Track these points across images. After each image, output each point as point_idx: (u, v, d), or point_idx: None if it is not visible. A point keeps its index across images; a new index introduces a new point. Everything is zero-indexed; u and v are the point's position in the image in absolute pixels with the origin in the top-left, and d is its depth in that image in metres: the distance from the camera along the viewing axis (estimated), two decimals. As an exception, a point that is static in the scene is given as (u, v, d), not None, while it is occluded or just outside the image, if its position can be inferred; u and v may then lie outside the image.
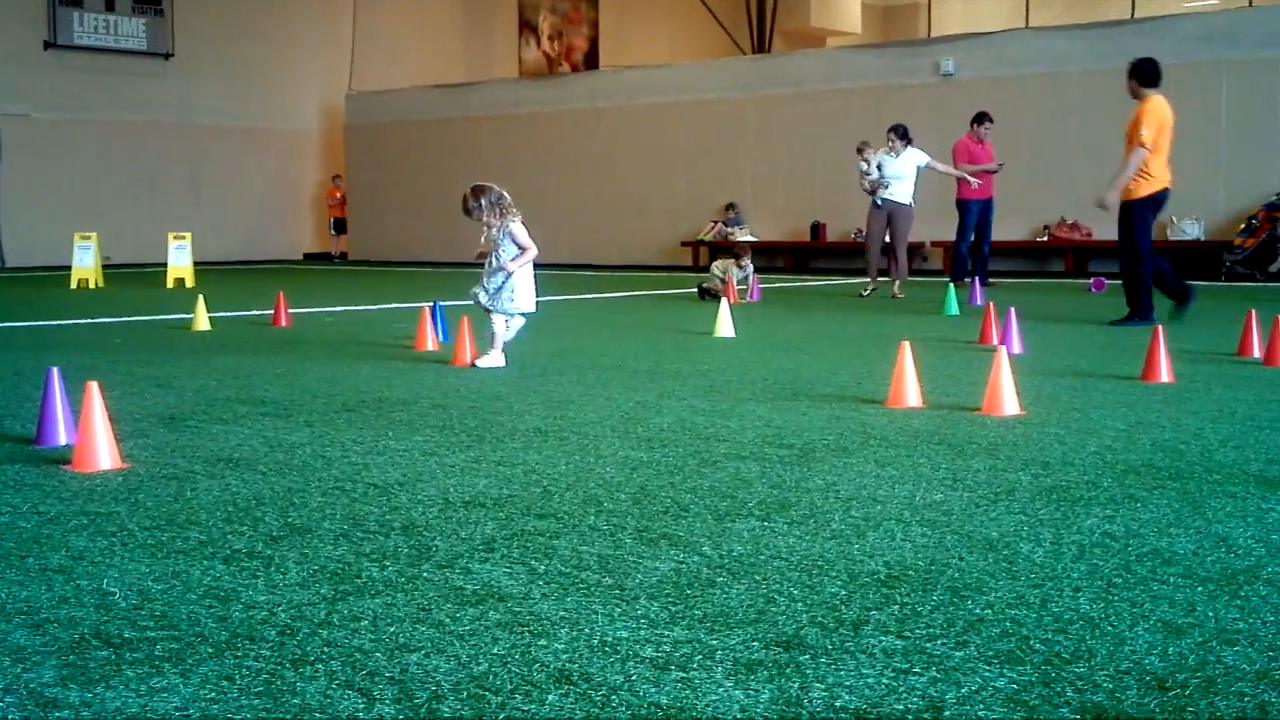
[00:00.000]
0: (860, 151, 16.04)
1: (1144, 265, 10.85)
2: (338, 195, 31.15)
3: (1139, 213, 10.85)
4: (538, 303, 8.27)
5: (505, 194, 8.10)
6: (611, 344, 9.62)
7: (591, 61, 35.70)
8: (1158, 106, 10.97)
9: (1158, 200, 10.93)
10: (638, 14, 37.12)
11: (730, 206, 24.61)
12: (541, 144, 27.77)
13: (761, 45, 33.60)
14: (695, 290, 15.27)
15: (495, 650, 2.71)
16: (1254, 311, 8.50)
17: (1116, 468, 4.61)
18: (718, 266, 15.05)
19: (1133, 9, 36.24)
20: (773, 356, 8.63)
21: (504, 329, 8.12)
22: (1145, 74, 11.17)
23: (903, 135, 15.19)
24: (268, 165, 30.81)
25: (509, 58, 34.67)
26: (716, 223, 24.63)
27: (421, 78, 31.48)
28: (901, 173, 15.17)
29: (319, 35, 31.49)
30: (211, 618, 2.95)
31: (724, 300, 11.01)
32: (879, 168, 15.35)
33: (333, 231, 31.29)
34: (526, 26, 35.11)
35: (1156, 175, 10.89)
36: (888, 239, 15.46)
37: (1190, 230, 19.76)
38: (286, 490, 4.34)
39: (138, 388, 7.09)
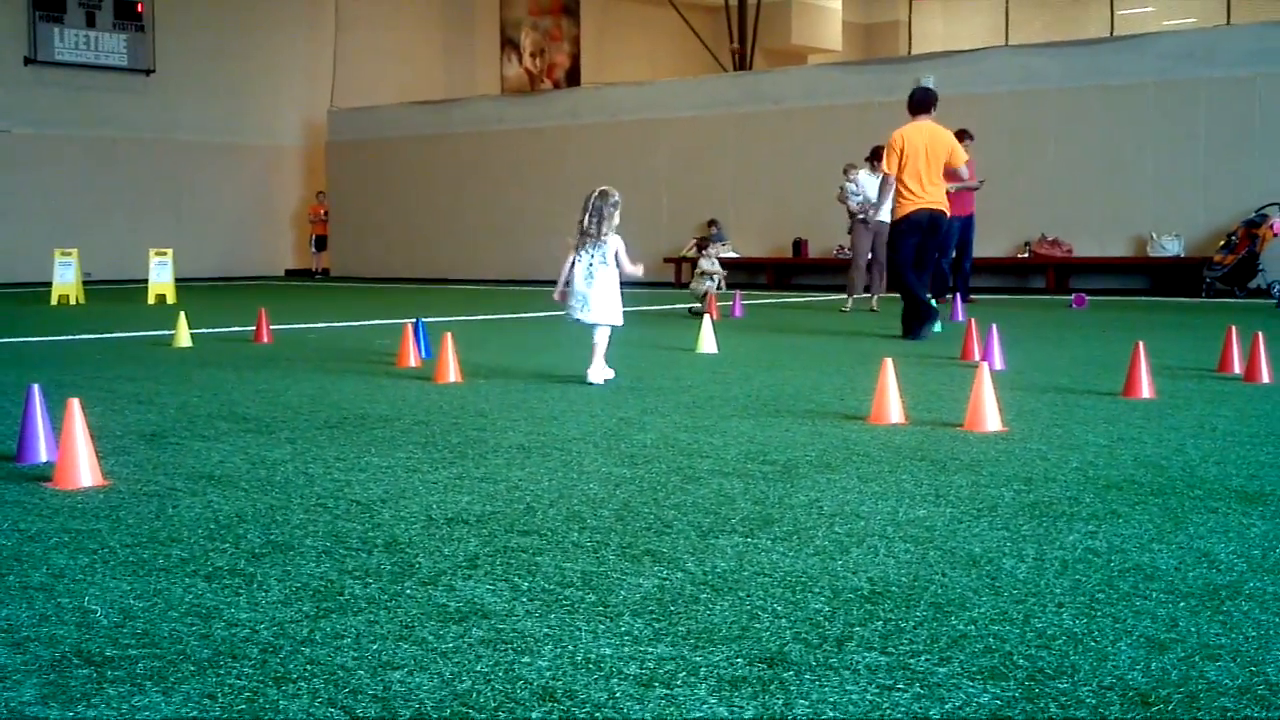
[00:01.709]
0: (846, 173, 16.18)
1: (904, 278, 11.47)
2: (321, 212, 31.08)
3: (894, 232, 11.75)
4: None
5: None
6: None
7: (573, 78, 35.80)
8: (896, 136, 11.76)
9: (913, 221, 11.56)
10: (619, 31, 37.25)
11: (712, 223, 24.65)
12: (523, 161, 27.79)
13: (743, 63, 33.69)
14: (680, 308, 15.29)
15: (478, 668, 2.70)
16: (1234, 327, 8.54)
17: (1098, 483, 4.62)
18: (704, 263, 15.07)
19: (1111, 27, 36.49)
20: (756, 372, 8.64)
21: (605, 340, 7.99)
22: (908, 103, 12.12)
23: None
24: (249, 181, 30.77)
25: (491, 74, 34.74)
26: (699, 239, 24.65)
27: (403, 94, 31.51)
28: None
29: (300, 51, 31.48)
30: (193, 635, 2.93)
31: (707, 316, 11.02)
32: (863, 187, 15.52)
33: (314, 248, 31.19)
34: (508, 43, 35.19)
35: (909, 198, 11.56)
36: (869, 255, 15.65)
37: (1170, 247, 19.86)
38: (268, 507, 4.32)
39: (119, 404, 7.07)
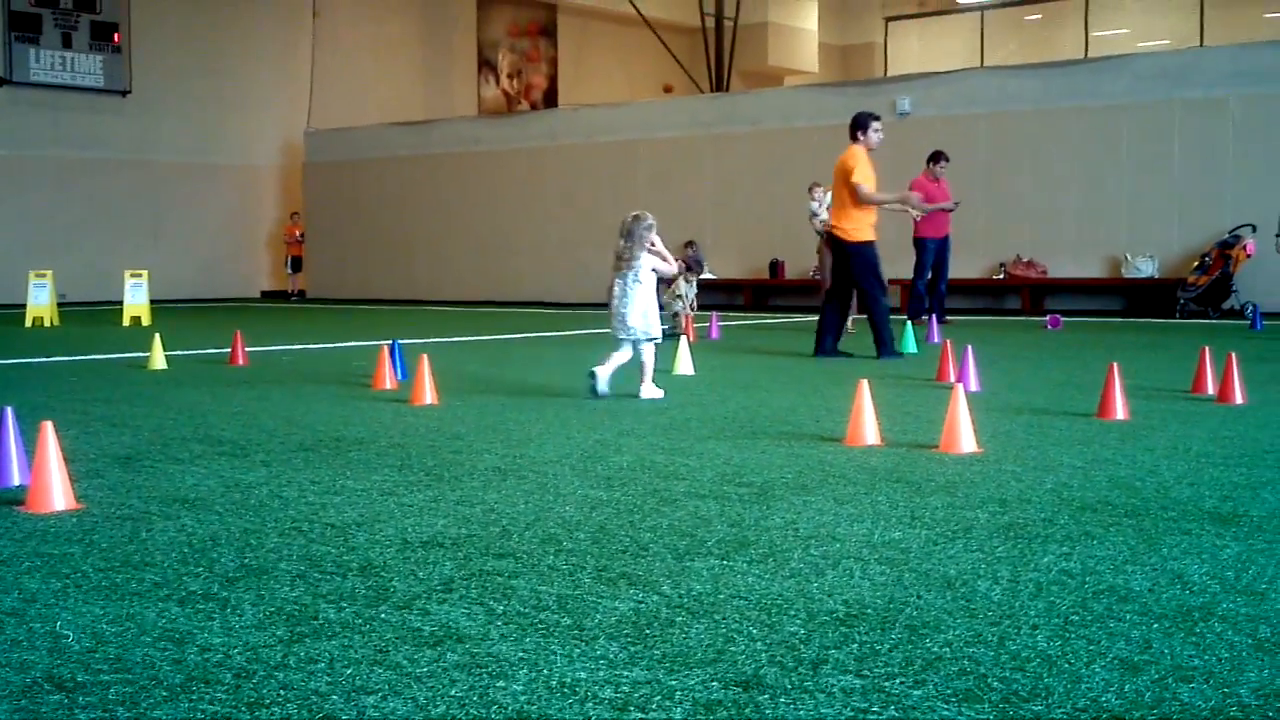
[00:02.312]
0: (811, 191, 16.20)
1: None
2: (296, 233, 30.99)
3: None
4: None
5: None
6: (570, 381, 9.60)
7: (550, 99, 35.88)
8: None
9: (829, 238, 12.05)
10: (596, 53, 37.34)
11: (689, 244, 24.69)
12: (501, 181, 27.81)
13: (719, 84, 33.80)
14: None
15: (453, 692, 2.69)
16: (1207, 349, 8.58)
17: (1073, 505, 4.63)
18: (680, 284, 15.10)
19: (1086, 48, 36.71)
20: (732, 394, 8.65)
21: (652, 359, 8.47)
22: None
23: None
24: (226, 203, 30.69)
25: (468, 95, 34.78)
26: (676, 260, 24.69)
27: (381, 115, 31.51)
28: None
29: (278, 72, 31.45)
30: (166, 660, 2.92)
31: (683, 338, 11.03)
32: (829, 209, 15.51)
33: (289, 269, 31.08)
34: (486, 64, 35.24)
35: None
36: None
37: (1145, 268, 19.96)
38: (243, 531, 4.31)
39: (93, 427, 7.04)
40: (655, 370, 8.54)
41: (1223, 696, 2.63)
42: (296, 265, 31.02)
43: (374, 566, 3.79)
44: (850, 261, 11.76)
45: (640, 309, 8.33)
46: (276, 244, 31.74)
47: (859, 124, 11.90)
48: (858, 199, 11.59)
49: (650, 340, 8.41)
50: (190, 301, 28.18)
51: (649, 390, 8.38)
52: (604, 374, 8.37)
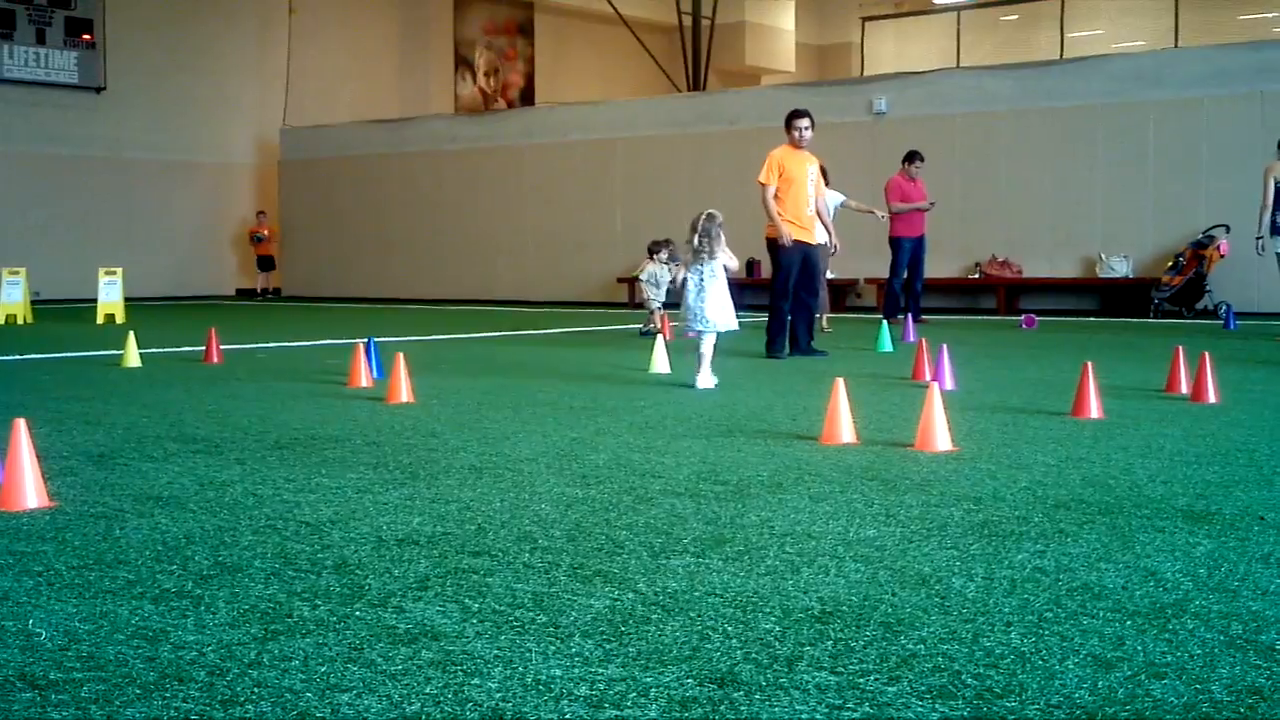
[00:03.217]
0: None
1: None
2: (263, 231, 30.60)
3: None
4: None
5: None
6: (547, 380, 9.60)
7: (527, 98, 35.83)
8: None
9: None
10: (573, 51, 37.31)
11: (666, 243, 24.66)
12: (477, 180, 27.76)
13: (697, 83, 33.81)
14: (633, 328, 15.29)
15: (428, 690, 2.69)
16: (1181, 348, 8.63)
17: (1047, 503, 4.65)
18: (644, 273, 15.10)
19: (1061, 49, 36.84)
20: (708, 393, 8.65)
21: (710, 350, 8.94)
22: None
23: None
24: (201, 200, 30.54)
25: (445, 93, 34.71)
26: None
27: (357, 113, 31.42)
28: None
29: (253, 69, 31.34)
30: (139, 658, 2.91)
31: (660, 336, 11.03)
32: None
33: (259, 268, 30.73)
34: (462, 62, 35.18)
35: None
36: None
37: (1119, 268, 20.05)
38: (217, 529, 4.29)
39: (66, 425, 7.00)
40: (627, 370, 8.56)
41: (1195, 693, 2.64)
42: (266, 264, 30.67)
43: (349, 564, 3.78)
44: (773, 258, 11.81)
45: (716, 302, 8.81)
46: (243, 243, 31.50)
47: (786, 123, 11.87)
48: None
49: (720, 331, 8.91)
50: (165, 299, 28.06)
51: (705, 380, 8.77)
52: (705, 378, 8.78)
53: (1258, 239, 13.69)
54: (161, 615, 3.26)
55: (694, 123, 25.10)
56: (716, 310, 8.85)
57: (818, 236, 15.55)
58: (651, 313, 14.60)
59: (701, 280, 8.86)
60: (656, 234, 24.83)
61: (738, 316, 9.08)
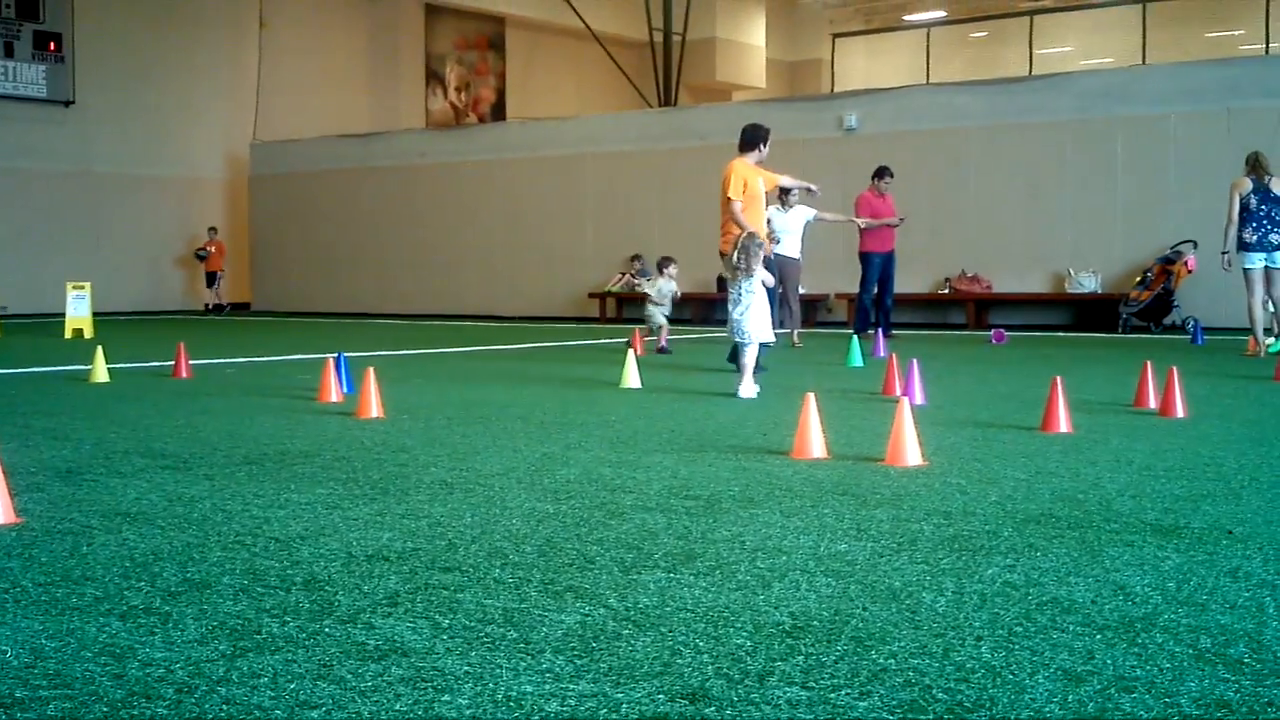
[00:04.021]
0: None
1: None
2: (210, 248, 29.79)
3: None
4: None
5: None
6: (518, 395, 9.59)
7: (498, 113, 35.85)
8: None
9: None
10: (545, 66, 37.35)
11: (636, 258, 24.71)
12: (448, 195, 27.74)
13: (667, 99, 33.88)
14: (603, 343, 15.28)
15: (398, 707, 2.68)
16: (1149, 363, 8.68)
17: (1017, 517, 4.67)
18: (651, 289, 15.11)
19: (1030, 66, 37.07)
20: (679, 407, 8.65)
21: (753, 360, 9.44)
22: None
23: (790, 191, 15.59)
24: (170, 214, 30.39)
25: (415, 108, 34.68)
26: (623, 274, 24.72)
27: (327, 127, 31.36)
28: (790, 227, 15.58)
29: (223, 84, 31.25)
30: (107, 676, 2.88)
31: (630, 351, 11.03)
32: (769, 222, 15.57)
33: (208, 285, 29.90)
34: (433, 77, 35.18)
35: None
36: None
37: (1088, 283, 20.16)
38: (185, 545, 4.26)
39: (33, 441, 6.95)
40: (598, 384, 8.55)
41: (1164, 706, 2.65)
42: (214, 280, 29.80)
43: (318, 580, 3.77)
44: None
45: (756, 316, 9.26)
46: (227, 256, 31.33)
47: (761, 138, 11.73)
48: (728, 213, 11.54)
49: (761, 344, 9.43)
50: (134, 314, 27.91)
51: (748, 389, 9.18)
52: (748, 387, 9.19)
53: (1224, 254, 13.79)
54: (129, 632, 3.23)
55: (665, 138, 25.14)
56: (756, 324, 9.25)
57: (790, 252, 15.67)
58: (660, 328, 14.61)
59: (740, 295, 9.31)
60: (626, 250, 24.98)
61: (714, 329, 9.14)
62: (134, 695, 2.75)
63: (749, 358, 9.33)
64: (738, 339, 9.42)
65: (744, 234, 9.55)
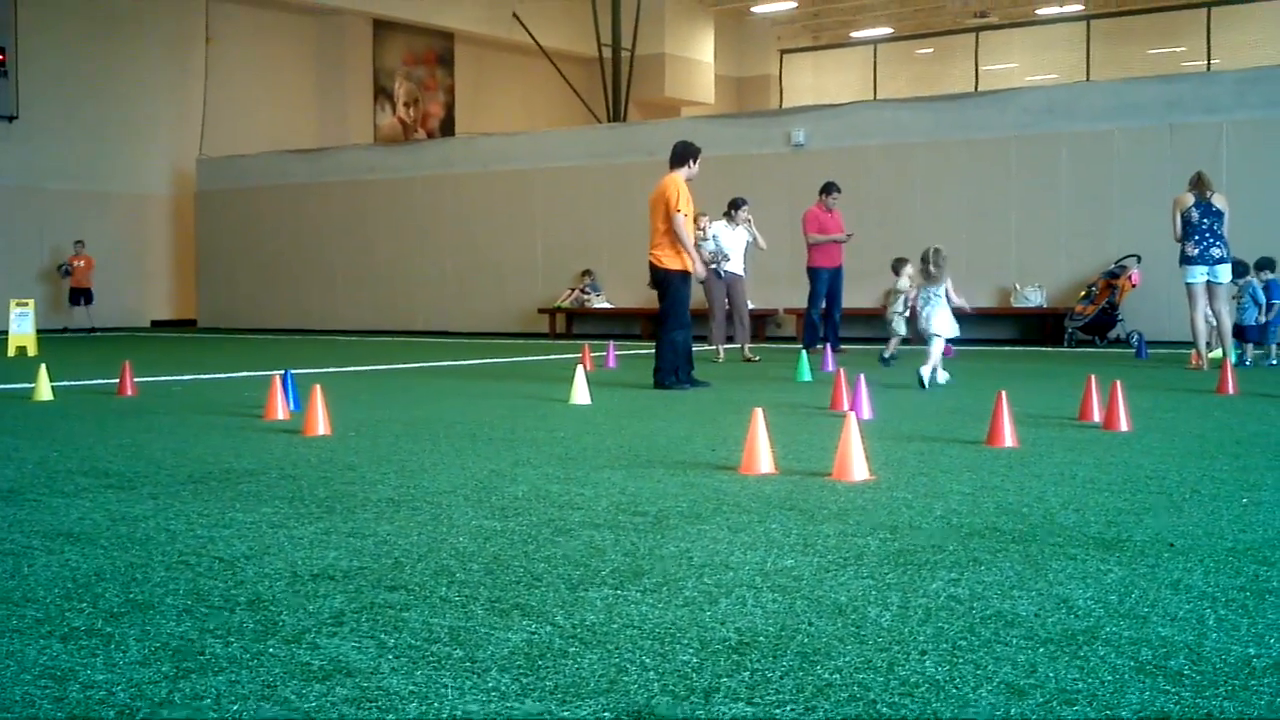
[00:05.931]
0: (696, 221, 16.26)
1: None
2: (79, 262, 27.63)
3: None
4: None
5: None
6: (466, 411, 9.57)
7: (447, 128, 35.78)
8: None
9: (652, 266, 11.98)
10: (494, 82, 37.33)
11: (586, 273, 24.72)
12: (397, 210, 27.65)
13: (617, 114, 33.94)
14: (553, 359, 15.26)
15: (342, 726, 2.66)
16: (1093, 376, 8.76)
17: (961, 531, 4.70)
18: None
19: (976, 82, 37.39)
20: (628, 423, 8.66)
21: (939, 353, 11.29)
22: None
23: (740, 207, 15.80)
24: (116, 231, 30.10)
25: (364, 123, 34.56)
26: (573, 289, 24.71)
27: (275, 143, 31.20)
28: (736, 245, 15.68)
29: (169, 98, 31.02)
30: (47, 698, 2.85)
31: (579, 368, 11.02)
32: (715, 239, 15.66)
33: (71, 303, 27.67)
34: (381, 92, 35.07)
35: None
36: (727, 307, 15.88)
37: (1033, 297, 20.33)
38: (128, 565, 4.23)
39: (-26, 460, 6.87)
40: (547, 401, 8.53)
41: (1106, 718, 2.67)
42: (79, 298, 27.63)
43: (262, 600, 3.74)
44: (665, 289, 11.74)
45: (942, 317, 11.14)
46: (173, 272, 31.04)
47: (693, 154, 11.87)
48: (672, 227, 11.57)
49: (944, 338, 11.26)
50: (79, 331, 27.60)
51: (939, 375, 11.17)
52: (928, 371, 11.00)
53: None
54: (70, 654, 3.20)
55: (614, 153, 25.17)
56: (942, 322, 11.13)
57: (737, 269, 15.77)
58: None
59: (929, 297, 11.20)
60: (576, 264, 24.99)
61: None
62: (74, 718, 2.72)
63: (936, 349, 11.14)
64: (929, 331, 11.17)
65: (931, 249, 11.24)
